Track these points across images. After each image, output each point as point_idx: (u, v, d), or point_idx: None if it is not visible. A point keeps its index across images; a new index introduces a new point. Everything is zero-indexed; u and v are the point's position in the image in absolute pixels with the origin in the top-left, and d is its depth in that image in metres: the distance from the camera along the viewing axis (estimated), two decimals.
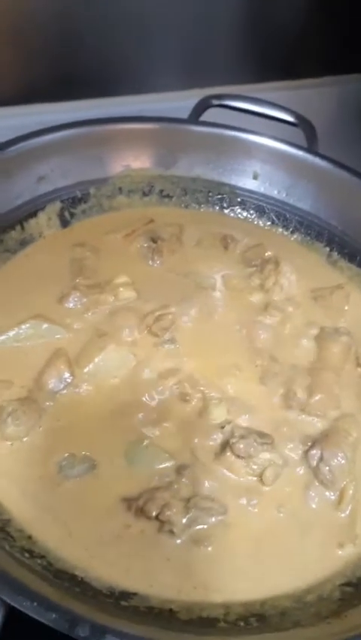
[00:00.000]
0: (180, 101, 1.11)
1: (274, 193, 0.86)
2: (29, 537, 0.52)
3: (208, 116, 0.90)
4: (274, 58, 1.14)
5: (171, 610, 0.49)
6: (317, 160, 0.82)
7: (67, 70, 1.05)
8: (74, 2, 0.98)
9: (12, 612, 0.40)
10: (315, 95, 1.12)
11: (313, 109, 0.95)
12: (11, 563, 0.44)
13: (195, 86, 1.13)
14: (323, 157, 0.81)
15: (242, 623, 0.48)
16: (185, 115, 0.89)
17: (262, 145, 0.83)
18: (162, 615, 0.48)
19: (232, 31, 1.11)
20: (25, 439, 0.59)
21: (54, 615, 0.37)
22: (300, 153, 0.82)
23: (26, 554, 0.50)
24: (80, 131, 0.77)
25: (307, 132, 0.85)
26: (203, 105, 0.86)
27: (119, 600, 0.49)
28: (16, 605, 0.38)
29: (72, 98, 1.07)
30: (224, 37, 1.11)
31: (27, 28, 0.98)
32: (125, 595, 0.50)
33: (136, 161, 0.84)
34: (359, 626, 0.44)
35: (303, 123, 0.85)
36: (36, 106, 1.05)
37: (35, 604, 0.38)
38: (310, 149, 0.83)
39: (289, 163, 0.83)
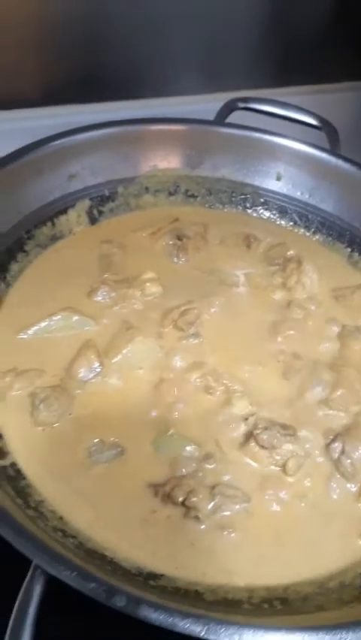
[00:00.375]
0: (202, 104, 1.14)
1: (297, 194, 0.88)
2: (61, 518, 0.54)
3: (230, 118, 0.93)
4: (296, 63, 1.16)
5: (196, 591, 0.51)
6: (340, 162, 0.83)
7: (92, 73, 1.08)
8: (100, 6, 1.00)
9: (49, 584, 0.42)
10: (336, 100, 1.14)
11: (333, 114, 0.96)
12: (48, 538, 0.46)
13: (218, 90, 1.15)
14: (346, 159, 0.83)
15: (266, 606, 0.50)
16: (208, 117, 0.91)
17: (286, 147, 0.85)
18: (189, 595, 0.50)
19: (254, 36, 1.13)
20: (55, 425, 0.61)
21: (93, 585, 0.39)
22: (324, 155, 0.84)
23: (59, 533, 0.52)
24: (111, 131, 0.80)
25: (330, 135, 0.87)
26: (229, 108, 0.88)
27: (147, 580, 0.51)
28: (56, 575, 0.40)
29: (97, 100, 1.11)
30: (246, 42, 1.13)
31: (53, 31, 1.01)
32: (153, 575, 0.52)
33: (163, 162, 0.87)
34: None
35: (326, 126, 0.87)
36: (62, 107, 1.08)
37: (75, 574, 0.40)
38: (334, 151, 0.84)
39: (312, 165, 0.85)
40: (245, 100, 0.88)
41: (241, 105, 0.88)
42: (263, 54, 1.14)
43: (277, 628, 0.39)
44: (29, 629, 0.38)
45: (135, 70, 1.11)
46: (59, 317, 0.70)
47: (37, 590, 0.40)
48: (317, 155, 0.84)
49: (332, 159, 0.83)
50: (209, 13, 1.07)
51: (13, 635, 0.38)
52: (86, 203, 0.83)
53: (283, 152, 0.85)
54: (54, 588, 0.42)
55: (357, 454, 0.62)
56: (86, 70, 1.08)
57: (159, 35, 1.08)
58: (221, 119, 0.87)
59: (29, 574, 0.41)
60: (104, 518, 0.55)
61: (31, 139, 0.78)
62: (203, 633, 0.38)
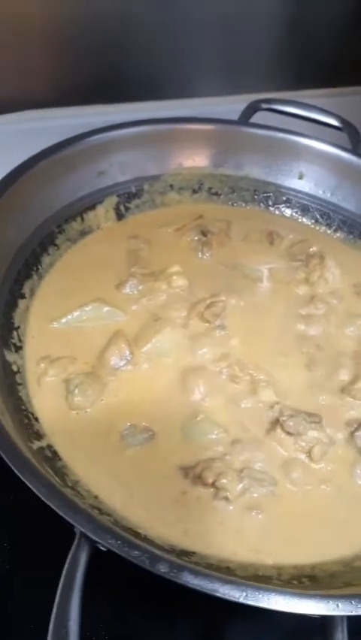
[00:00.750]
0: (223, 105, 1.16)
1: (319, 193, 0.90)
2: (96, 497, 0.56)
3: (252, 119, 0.95)
4: (315, 65, 1.19)
5: (228, 567, 0.53)
6: None
7: (116, 74, 1.11)
8: (124, 9, 1.03)
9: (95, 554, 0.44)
10: (354, 102, 1.16)
11: (352, 116, 0.99)
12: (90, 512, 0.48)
13: (238, 92, 1.18)
14: None
15: (295, 582, 0.52)
16: (228, 118, 0.93)
17: (309, 147, 0.87)
18: (221, 571, 0.52)
19: (274, 39, 1.15)
20: (88, 410, 0.63)
21: (137, 552, 0.41)
22: (346, 155, 0.86)
23: (96, 511, 0.54)
24: (142, 129, 0.82)
25: (351, 136, 0.89)
26: (252, 108, 0.91)
27: (180, 556, 0.53)
28: (103, 543, 0.42)
29: (120, 100, 1.13)
30: (266, 45, 1.15)
31: (79, 33, 1.04)
32: (185, 553, 0.54)
33: (188, 160, 0.89)
34: None
35: (348, 127, 0.89)
36: (87, 107, 1.11)
37: (120, 542, 0.42)
38: (356, 151, 0.86)
39: (334, 164, 0.87)
40: (268, 101, 0.91)
41: (265, 106, 0.91)
42: (283, 56, 1.16)
43: (312, 595, 0.41)
44: (77, 594, 0.40)
45: (157, 71, 1.13)
46: (90, 307, 0.72)
47: (83, 558, 0.42)
48: (340, 154, 0.86)
49: (354, 159, 0.85)
50: (230, 15, 1.10)
51: (62, 597, 0.40)
52: (113, 200, 0.85)
53: (306, 151, 0.88)
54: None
55: None
56: (110, 72, 1.10)
57: (181, 37, 1.10)
58: (245, 119, 0.90)
59: (75, 542, 0.43)
60: (137, 498, 0.57)
61: (55, 139, 0.81)
62: (242, 598, 0.40)
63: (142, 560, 0.41)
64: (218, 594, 0.40)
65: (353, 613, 0.42)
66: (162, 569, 0.41)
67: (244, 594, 0.40)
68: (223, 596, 0.40)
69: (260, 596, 0.41)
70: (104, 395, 0.65)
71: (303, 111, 0.91)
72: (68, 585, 0.41)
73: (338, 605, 0.41)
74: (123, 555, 0.41)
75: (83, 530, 0.43)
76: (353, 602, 0.42)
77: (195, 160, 0.89)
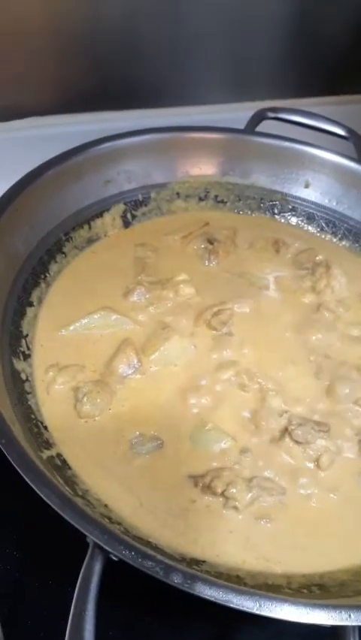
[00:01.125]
0: (228, 113, 1.17)
1: (325, 201, 0.91)
2: (106, 506, 0.57)
3: (258, 127, 0.95)
4: (321, 74, 1.19)
5: (238, 576, 0.53)
6: None
7: (123, 81, 1.11)
8: (131, 17, 1.04)
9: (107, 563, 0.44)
10: (359, 111, 1.17)
11: (358, 124, 0.99)
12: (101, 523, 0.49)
13: (244, 100, 1.18)
14: None
15: (305, 591, 0.52)
16: (234, 126, 0.94)
17: (315, 156, 0.88)
18: (231, 580, 0.52)
19: (280, 47, 1.16)
20: (97, 418, 0.64)
21: (151, 563, 0.42)
22: (352, 164, 0.86)
23: (106, 520, 0.54)
24: (149, 137, 0.83)
25: (357, 145, 0.89)
26: (259, 117, 0.91)
27: (190, 565, 0.53)
28: (117, 554, 0.42)
29: (127, 107, 1.14)
30: (272, 53, 1.16)
31: (86, 40, 1.04)
32: (196, 561, 0.54)
33: (194, 168, 0.90)
34: None
35: (354, 137, 0.90)
36: (93, 114, 1.12)
37: (133, 553, 0.42)
38: None
39: (341, 173, 0.88)
40: (275, 110, 0.91)
41: (271, 115, 0.91)
42: (289, 65, 1.17)
43: (324, 606, 0.42)
44: (92, 605, 0.41)
45: (163, 78, 1.14)
46: (98, 315, 0.72)
47: (98, 568, 0.43)
48: (346, 164, 0.86)
49: (359, 168, 0.86)
50: (236, 22, 1.10)
51: (77, 608, 0.40)
52: (120, 207, 0.86)
53: (313, 160, 0.88)
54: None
55: None
56: (115, 79, 1.11)
57: (186, 45, 1.11)
58: (251, 128, 0.90)
59: (89, 553, 0.44)
60: (147, 507, 0.57)
61: (62, 146, 0.81)
62: (256, 609, 0.40)
63: (156, 571, 0.41)
64: (232, 605, 0.41)
65: None
66: (175, 579, 0.41)
67: (258, 605, 0.41)
68: (237, 607, 0.41)
69: (274, 606, 0.41)
70: (112, 403, 0.65)
71: (309, 120, 0.92)
72: (83, 596, 0.41)
73: (350, 615, 0.41)
74: (137, 566, 0.42)
75: (96, 541, 0.43)
76: None
77: (202, 168, 0.89)
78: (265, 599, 0.41)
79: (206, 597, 0.41)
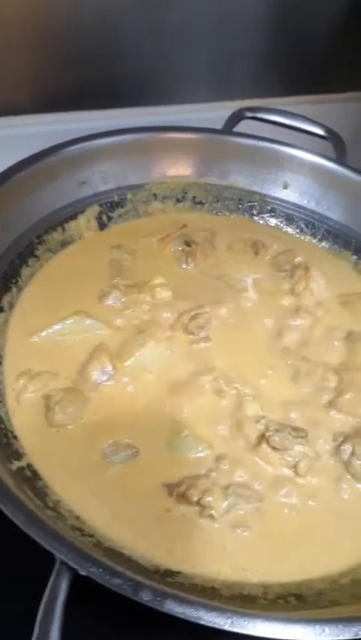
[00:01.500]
0: (209, 112, 1.15)
1: (304, 202, 0.90)
2: (77, 517, 0.55)
3: (237, 127, 0.94)
4: (302, 73, 1.19)
5: (213, 587, 0.52)
6: (348, 172, 0.85)
7: (100, 80, 1.09)
8: (109, 15, 1.02)
9: (74, 580, 0.42)
10: (341, 110, 1.16)
11: (338, 123, 0.98)
12: (70, 537, 0.47)
13: (224, 99, 1.17)
14: (353, 169, 0.85)
15: (281, 601, 0.51)
16: (214, 125, 0.93)
17: (294, 156, 0.87)
18: (206, 592, 0.51)
19: (261, 46, 1.15)
20: (70, 427, 0.62)
21: (118, 581, 0.40)
22: (331, 165, 0.85)
23: (77, 532, 0.52)
24: (124, 138, 0.81)
25: (336, 145, 0.89)
26: (237, 117, 0.90)
27: (165, 577, 0.52)
28: (83, 572, 0.40)
29: (104, 107, 1.12)
30: (253, 52, 1.15)
31: (65, 39, 1.02)
32: (170, 573, 0.52)
33: (172, 169, 0.88)
34: None
35: (333, 137, 0.89)
36: (70, 114, 1.10)
37: (101, 570, 0.41)
38: (341, 161, 0.86)
39: (319, 174, 0.87)
40: (253, 109, 0.90)
41: (249, 115, 0.90)
42: (269, 64, 1.16)
43: (298, 620, 0.40)
44: (57, 624, 0.39)
45: (143, 78, 1.12)
46: (71, 320, 0.71)
47: (64, 585, 0.41)
48: (325, 164, 0.86)
49: (339, 169, 0.85)
50: (216, 22, 1.09)
51: (41, 628, 0.38)
52: (95, 209, 0.84)
53: (291, 161, 0.87)
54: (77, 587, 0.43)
55: None
56: (95, 78, 1.09)
57: (167, 44, 1.09)
58: (229, 128, 0.89)
59: (55, 571, 0.42)
60: (121, 517, 0.56)
61: (39, 146, 0.79)
62: (227, 626, 0.39)
63: (124, 589, 0.40)
64: (203, 622, 0.39)
65: (340, 637, 0.41)
66: (145, 597, 0.39)
67: (230, 621, 0.39)
68: (208, 624, 0.39)
69: (246, 623, 0.39)
70: (85, 411, 0.63)
71: (288, 120, 0.91)
72: (48, 615, 0.40)
73: (324, 630, 0.40)
74: (104, 584, 0.40)
75: (63, 559, 0.41)
76: (339, 626, 0.41)
77: (179, 169, 0.88)
78: (237, 615, 0.40)
79: (176, 615, 0.39)
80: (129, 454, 0.60)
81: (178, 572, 0.53)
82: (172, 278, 0.79)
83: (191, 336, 0.73)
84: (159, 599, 0.40)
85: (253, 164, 0.88)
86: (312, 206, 0.89)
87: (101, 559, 0.42)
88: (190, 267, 0.83)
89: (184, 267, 0.83)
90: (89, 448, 0.61)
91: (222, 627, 0.39)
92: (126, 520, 0.56)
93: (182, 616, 0.39)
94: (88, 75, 1.08)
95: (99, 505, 0.56)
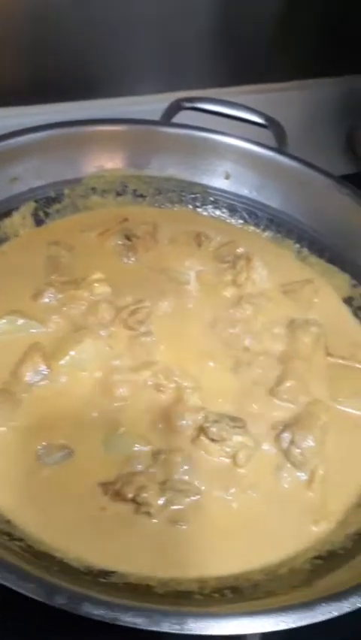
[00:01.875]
0: (153, 104, 1.13)
1: (245, 192, 0.89)
2: (8, 521, 0.53)
3: (181, 118, 0.93)
4: (245, 63, 1.18)
5: (148, 585, 0.51)
6: (286, 160, 0.85)
7: (41, 73, 1.07)
8: (51, 6, 1.00)
9: None
10: (284, 99, 1.16)
11: (282, 112, 0.98)
12: None
13: (169, 90, 1.16)
14: (290, 156, 0.85)
15: (217, 595, 0.50)
16: (158, 118, 0.91)
17: (232, 146, 0.86)
18: (139, 590, 0.50)
19: (204, 37, 1.14)
20: (1, 429, 0.60)
21: (32, 585, 0.39)
22: (269, 153, 0.85)
23: (5, 537, 0.51)
24: (54, 132, 0.79)
25: (276, 133, 0.88)
26: (174, 108, 0.89)
27: (97, 577, 0.50)
28: None
29: (46, 101, 1.09)
30: (196, 42, 1.14)
31: (2, 30, 1.00)
32: (104, 573, 0.51)
33: (109, 162, 0.86)
34: (325, 591, 0.46)
35: (272, 124, 0.88)
36: (10, 109, 1.07)
37: (13, 575, 0.39)
38: (280, 149, 0.86)
39: (258, 163, 0.86)
40: (190, 100, 0.89)
41: (187, 105, 0.89)
42: (213, 54, 1.15)
43: (218, 615, 0.40)
44: None
45: (85, 71, 1.10)
46: (4, 321, 0.68)
47: None
48: (262, 152, 0.85)
49: (277, 156, 0.85)
50: (159, 13, 1.08)
51: None
52: (31, 205, 0.82)
53: (229, 150, 0.86)
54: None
55: (306, 443, 0.62)
56: (34, 71, 1.06)
57: (109, 36, 1.07)
58: (167, 119, 0.88)
59: None
60: (54, 520, 0.54)
61: None
62: (145, 625, 0.38)
63: (39, 593, 0.38)
64: (121, 623, 0.38)
65: (267, 629, 0.40)
66: (59, 601, 0.38)
67: (148, 620, 0.38)
68: (127, 625, 0.38)
69: (164, 620, 0.38)
70: (18, 413, 0.61)
71: (227, 109, 0.90)
72: None
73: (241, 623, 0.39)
74: (18, 589, 0.39)
75: None
76: (264, 617, 0.40)
77: (116, 162, 0.87)
78: (157, 613, 0.39)
79: (94, 618, 0.38)
80: (63, 455, 0.59)
81: (113, 572, 0.52)
82: (112, 273, 0.77)
83: (131, 332, 0.71)
84: (74, 602, 0.38)
85: (192, 155, 0.87)
86: (253, 195, 0.89)
87: (17, 563, 0.41)
88: (131, 262, 0.81)
89: (125, 261, 0.81)
90: (21, 450, 0.59)
91: (139, 626, 0.38)
92: (60, 523, 0.54)
93: (98, 618, 0.38)
94: (26, 69, 1.06)
95: (32, 508, 0.55)
